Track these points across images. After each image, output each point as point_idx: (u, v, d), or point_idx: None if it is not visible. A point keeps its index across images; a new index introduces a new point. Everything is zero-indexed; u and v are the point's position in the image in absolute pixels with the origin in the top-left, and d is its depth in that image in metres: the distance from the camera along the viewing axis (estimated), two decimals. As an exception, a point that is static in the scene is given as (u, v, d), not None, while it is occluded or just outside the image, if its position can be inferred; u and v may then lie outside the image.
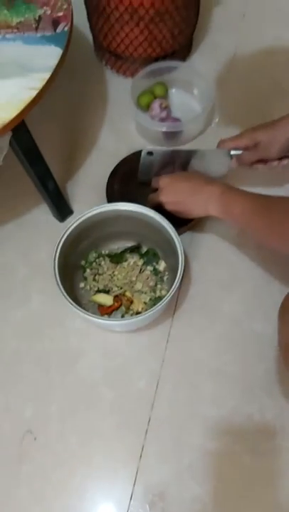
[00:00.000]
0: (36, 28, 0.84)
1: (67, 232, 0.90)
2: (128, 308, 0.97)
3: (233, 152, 0.99)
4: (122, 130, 1.20)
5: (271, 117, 0.95)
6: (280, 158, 0.99)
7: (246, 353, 0.95)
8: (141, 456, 0.88)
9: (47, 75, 0.77)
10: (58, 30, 0.83)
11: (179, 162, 1.05)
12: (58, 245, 0.88)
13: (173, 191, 0.92)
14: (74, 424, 0.91)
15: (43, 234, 1.08)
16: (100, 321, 0.85)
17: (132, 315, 0.96)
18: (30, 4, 0.87)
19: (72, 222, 0.91)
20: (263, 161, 1.00)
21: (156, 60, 1.19)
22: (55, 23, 0.84)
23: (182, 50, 1.25)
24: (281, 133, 0.94)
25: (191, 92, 1.21)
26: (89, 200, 1.09)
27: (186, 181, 0.92)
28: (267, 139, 0.94)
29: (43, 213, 1.09)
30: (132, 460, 0.88)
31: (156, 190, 0.97)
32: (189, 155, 1.04)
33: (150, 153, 1.04)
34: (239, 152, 0.99)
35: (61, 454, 0.88)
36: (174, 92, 1.23)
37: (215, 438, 0.88)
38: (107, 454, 0.89)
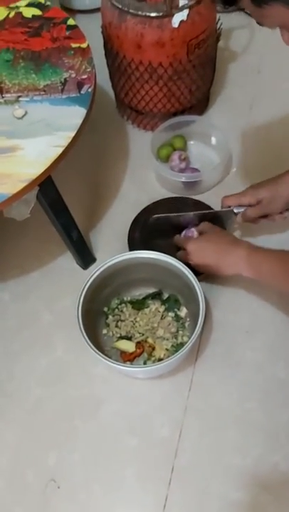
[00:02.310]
0: (62, 90, 0.90)
1: (91, 280, 0.93)
2: (150, 355, 0.98)
3: (236, 210, 1.03)
4: (143, 181, 1.24)
5: (287, 167, 0.98)
6: (281, 212, 1.01)
7: (270, 399, 0.94)
8: (165, 506, 0.86)
9: (72, 134, 0.83)
10: (83, 91, 0.89)
11: (187, 224, 1.07)
12: (82, 293, 0.91)
13: (201, 256, 0.95)
14: (97, 473, 0.90)
15: (67, 281, 1.11)
16: (122, 367, 0.86)
17: (154, 361, 0.96)
18: (57, 68, 0.93)
19: (96, 270, 0.94)
20: (265, 215, 1.02)
21: (175, 114, 1.25)
22: (80, 85, 0.90)
23: (200, 104, 1.31)
24: (283, 188, 0.97)
25: (209, 143, 1.26)
26: (111, 248, 1.12)
27: (211, 246, 0.95)
28: (270, 196, 0.97)
29: (67, 261, 1.13)
30: (156, 510, 0.86)
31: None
32: (195, 218, 1.07)
33: (158, 218, 1.07)
34: (242, 209, 1.02)
35: (84, 503, 0.88)
36: (192, 144, 1.27)
37: (240, 488, 0.87)
38: (130, 504, 0.88)
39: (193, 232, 1.04)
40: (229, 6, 0.68)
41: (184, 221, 1.07)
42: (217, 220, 1.07)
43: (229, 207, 1.04)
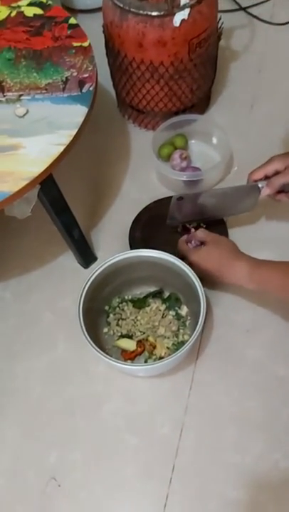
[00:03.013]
0: (63, 89, 0.90)
1: (92, 279, 0.93)
2: (151, 353, 0.98)
3: (260, 185, 1.02)
4: (144, 180, 1.24)
5: (288, 165, 0.98)
6: None
7: (270, 397, 0.94)
8: (165, 505, 0.86)
9: (73, 132, 0.83)
10: (84, 90, 0.89)
11: (209, 203, 1.07)
12: (83, 292, 0.91)
13: (201, 269, 0.94)
14: (98, 471, 0.90)
15: (68, 280, 1.11)
16: (123, 366, 0.86)
17: (155, 360, 0.96)
18: (58, 67, 0.93)
19: (96, 269, 0.94)
20: (285, 192, 1.02)
21: (176, 113, 1.25)
22: (81, 83, 0.90)
23: (201, 103, 1.31)
24: None
25: (210, 142, 1.26)
26: (112, 247, 1.12)
27: (211, 261, 0.94)
28: None
29: (68, 260, 1.13)
30: (156, 509, 0.86)
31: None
32: (218, 195, 1.07)
33: (180, 198, 1.05)
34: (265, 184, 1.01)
35: (85, 501, 0.88)
36: (193, 143, 1.27)
37: (240, 486, 0.87)
38: (131, 503, 0.88)
39: (193, 240, 1.02)
40: None
41: (206, 198, 1.06)
42: (239, 197, 1.06)
43: (255, 182, 1.03)
